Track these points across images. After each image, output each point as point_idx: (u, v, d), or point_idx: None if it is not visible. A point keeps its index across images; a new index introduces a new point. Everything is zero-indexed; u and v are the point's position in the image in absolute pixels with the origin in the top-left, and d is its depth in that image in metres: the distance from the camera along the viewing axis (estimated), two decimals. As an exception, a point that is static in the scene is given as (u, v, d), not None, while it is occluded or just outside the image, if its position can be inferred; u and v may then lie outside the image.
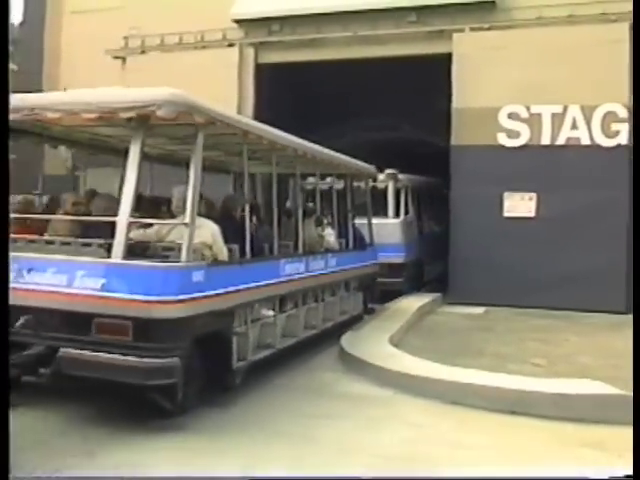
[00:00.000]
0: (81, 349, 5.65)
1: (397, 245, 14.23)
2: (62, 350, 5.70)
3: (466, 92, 13.47)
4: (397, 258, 14.00)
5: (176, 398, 5.91)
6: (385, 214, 14.45)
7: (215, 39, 15.61)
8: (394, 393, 7.20)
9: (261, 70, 15.49)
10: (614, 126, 12.78)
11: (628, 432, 4.08)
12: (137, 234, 6.29)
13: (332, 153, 9.94)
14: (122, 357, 5.54)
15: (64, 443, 5.48)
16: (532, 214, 13.31)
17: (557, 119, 13.12)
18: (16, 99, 5.95)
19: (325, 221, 10.53)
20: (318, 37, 15.07)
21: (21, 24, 19.59)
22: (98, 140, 7.90)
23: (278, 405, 6.74)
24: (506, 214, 13.46)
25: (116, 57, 15.90)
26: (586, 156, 12.80)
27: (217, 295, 6.24)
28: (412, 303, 12.71)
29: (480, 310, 12.65)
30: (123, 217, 5.79)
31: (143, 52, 15.99)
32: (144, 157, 6.49)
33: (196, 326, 5.96)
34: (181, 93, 5.81)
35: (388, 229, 13.83)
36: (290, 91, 15.45)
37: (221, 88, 14.14)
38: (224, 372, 6.57)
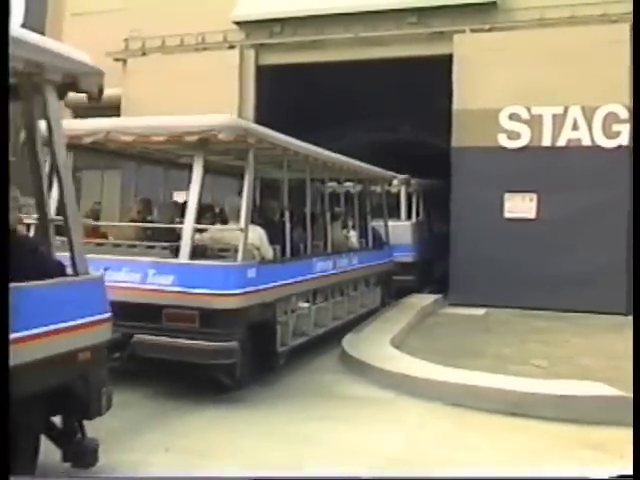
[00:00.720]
0: (153, 335, 7.54)
1: (408, 245, 16.21)
2: (137, 336, 7.54)
3: (467, 93, 14.71)
4: (409, 258, 15.98)
5: (235, 376, 7.82)
6: (398, 216, 16.41)
7: (216, 41, 17.12)
8: (395, 395, 7.91)
9: (262, 72, 16.94)
10: (615, 127, 13.89)
11: (629, 433, 4.33)
12: (196, 237, 8.05)
13: (355, 162, 11.93)
14: (191, 341, 7.40)
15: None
16: (533, 215, 14.45)
17: (558, 120, 14.26)
18: (92, 123, 8.01)
19: (350, 223, 12.56)
20: (319, 39, 16.44)
21: (22, 26, 20.40)
22: (146, 153, 9.70)
23: (278, 406, 7.57)
24: (507, 215, 14.60)
25: (117, 59, 17.28)
26: (587, 157, 13.90)
27: (265, 289, 8.21)
28: (413, 304, 13.98)
29: (481, 311, 13.65)
30: (189, 224, 7.76)
31: (144, 54, 17.45)
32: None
33: (250, 315, 7.88)
34: (238, 119, 7.87)
35: (400, 231, 15.62)
36: (291, 93, 16.58)
37: (222, 90, 15.74)
38: (270, 355, 8.54)
